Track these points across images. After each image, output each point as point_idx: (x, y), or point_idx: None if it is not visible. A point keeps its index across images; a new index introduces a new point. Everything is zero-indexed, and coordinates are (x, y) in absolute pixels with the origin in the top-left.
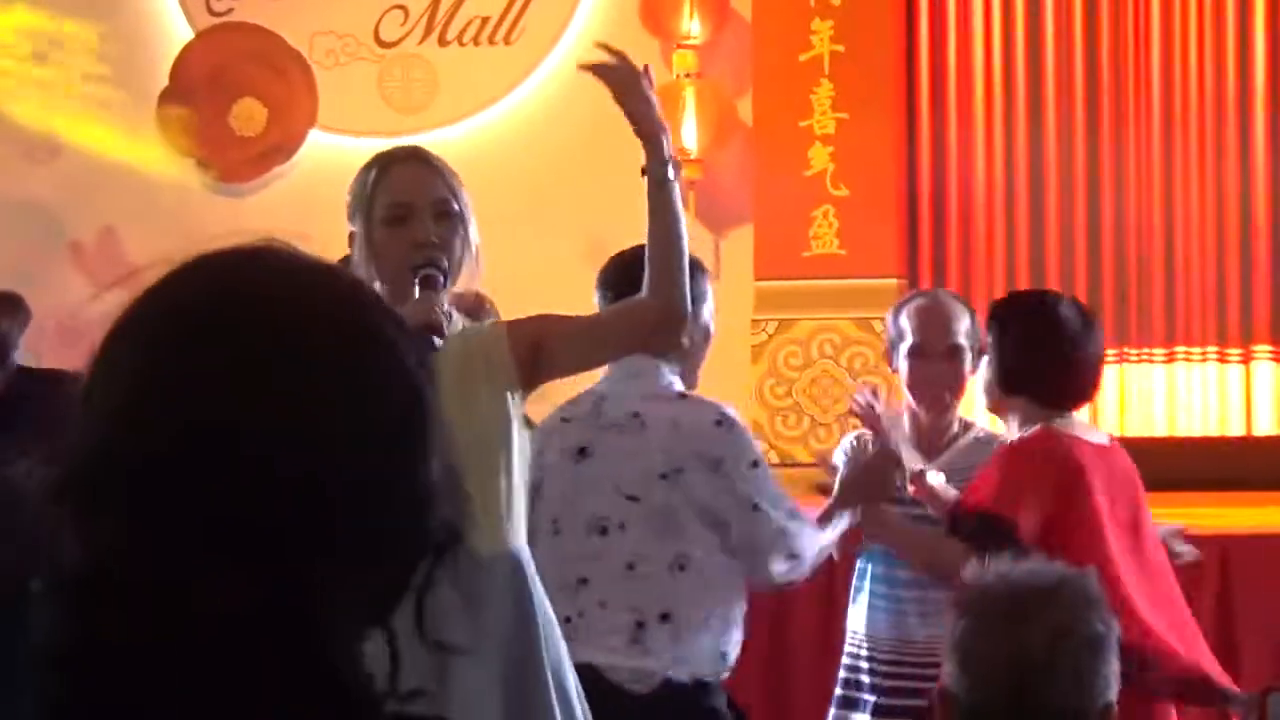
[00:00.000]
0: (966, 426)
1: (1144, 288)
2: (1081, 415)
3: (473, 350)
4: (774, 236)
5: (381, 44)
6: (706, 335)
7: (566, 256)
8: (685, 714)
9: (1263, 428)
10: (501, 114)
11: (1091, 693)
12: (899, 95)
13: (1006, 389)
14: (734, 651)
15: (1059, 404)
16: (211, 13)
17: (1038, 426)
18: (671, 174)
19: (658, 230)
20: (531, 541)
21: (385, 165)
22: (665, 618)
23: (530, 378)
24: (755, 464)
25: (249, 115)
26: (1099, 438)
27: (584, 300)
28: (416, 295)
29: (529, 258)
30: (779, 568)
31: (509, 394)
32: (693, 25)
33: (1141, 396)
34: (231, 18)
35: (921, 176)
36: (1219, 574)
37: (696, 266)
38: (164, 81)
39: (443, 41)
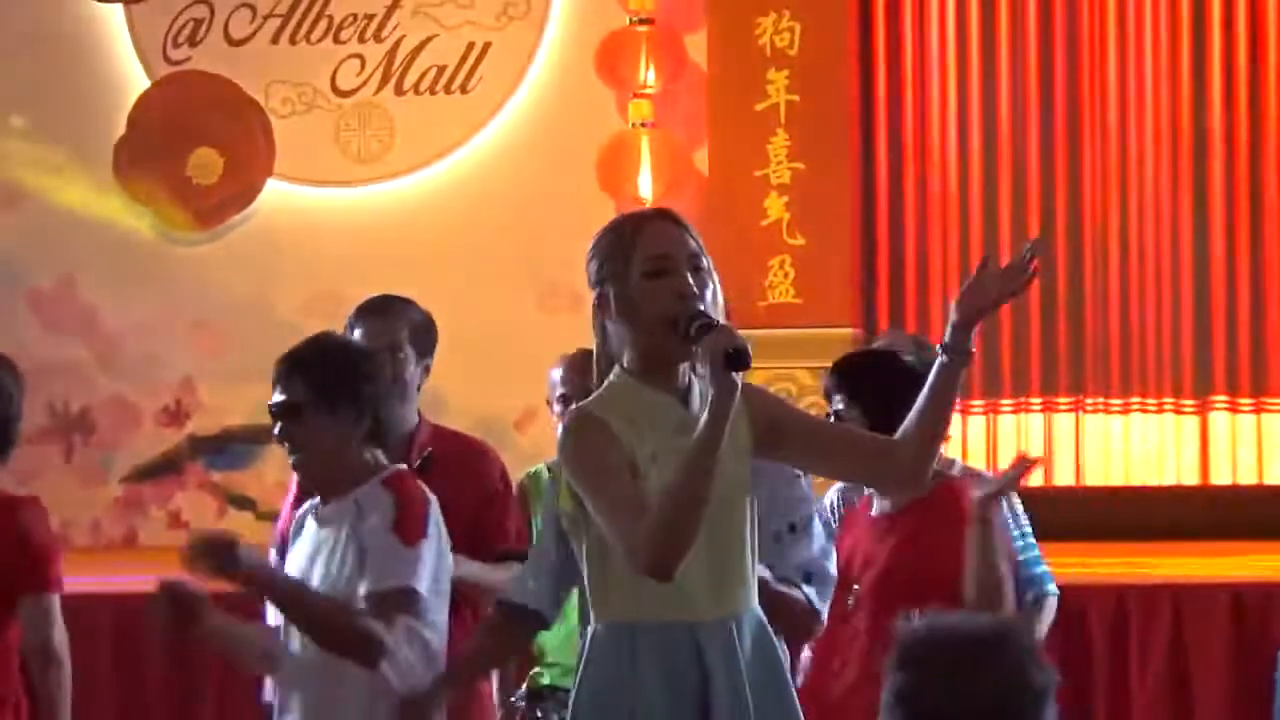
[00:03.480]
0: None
1: (1100, 340)
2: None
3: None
4: (730, 286)
5: (338, 93)
6: None
7: (522, 303)
8: None
9: (1219, 478)
10: (458, 162)
11: None
12: (855, 144)
13: None
14: None
15: None
16: (168, 61)
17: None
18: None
19: (939, 407)
20: None
21: (638, 224)
22: None
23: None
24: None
25: (206, 164)
26: None
27: (538, 346)
28: (679, 344)
29: (486, 305)
30: None
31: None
32: (648, 75)
33: (1098, 446)
34: (188, 66)
35: (878, 225)
36: (1173, 622)
37: None
38: (121, 130)
39: (399, 90)
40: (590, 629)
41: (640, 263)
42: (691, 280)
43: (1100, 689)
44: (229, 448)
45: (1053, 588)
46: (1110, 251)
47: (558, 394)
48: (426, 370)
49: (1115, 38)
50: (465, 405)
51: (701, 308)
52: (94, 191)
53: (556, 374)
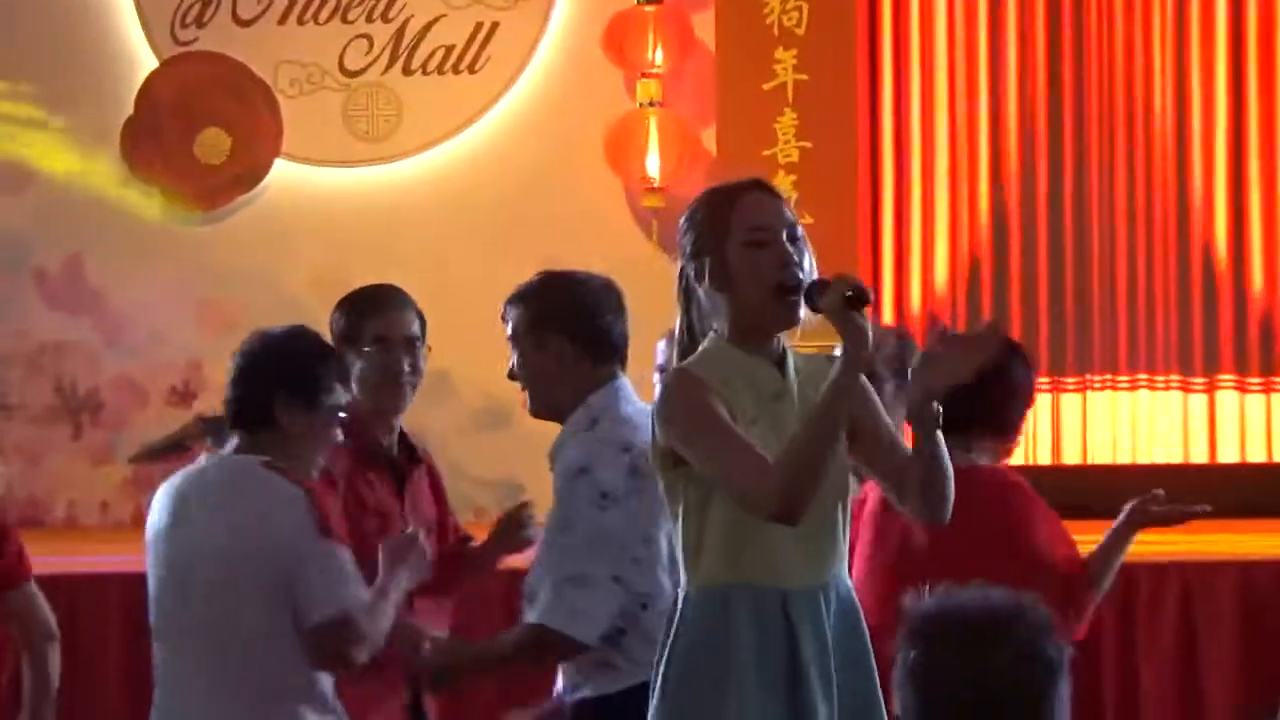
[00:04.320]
0: None
1: (1107, 318)
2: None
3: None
4: None
5: (346, 73)
6: None
7: None
8: None
9: (1226, 456)
10: (466, 142)
11: (1050, 715)
12: (863, 124)
13: None
14: None
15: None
16: (177, 42)
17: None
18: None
19: (931, 471)
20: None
21: (735, 195)
22: None
23: None
24: None
25: (214, 144)
26: None
27: None
28: (783, 311)
29: (493, 285)
30: None
31: None
32: (656, 55)
33: (1105, 424)
34: (196, 47)
35: (884, 204)
36: (1182, 601)
37: None
38: (129, 110)
39: (407, 70)
40: (682, 592)
41: (741, 233)
42: (790, 249)
43: (1109, 665)
44: None
45: None
46: (1118, 229)
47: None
48: None
49: (1123, 13)
50: (472, 386)
51: (802, 275)
52: (101, 171)
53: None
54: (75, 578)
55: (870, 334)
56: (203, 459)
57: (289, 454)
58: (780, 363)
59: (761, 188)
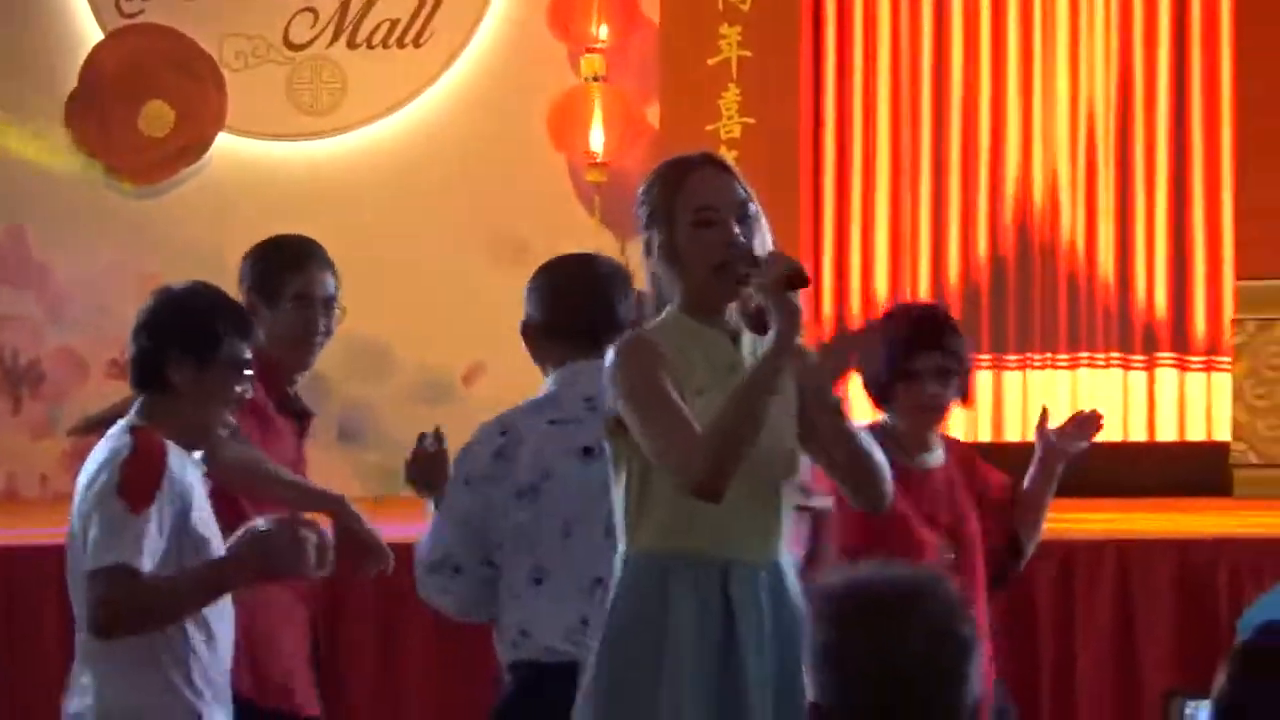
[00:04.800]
0: None
1: (1048, 297)
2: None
3: None
4: None
5: (291, 46)
6: None
7: (473, 257)
8: None
9: (1166, 435)
10: (410, 116)
11: (964, 691)
12: (806, 100)
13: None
14: None
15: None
16: (121, 14)
17: None
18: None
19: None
20: (538, 544)
21: (684, 172)
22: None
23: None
24: None
25: (158, 117)
26: None
27: (487, 299)
28: (727, 289)
29: (436, 258)
30: None
31: None
32: (600, 29)
33: (1046, 402)
34: (141, 19)
35: (826, 180)
36: (1118, 578)
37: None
38: (73, 83)
39: (352, 44)
40: (621, 559)
41: (688, 212)
42: (738, 229)
43: (1045, 643)
44: None
45: None
46: (1060, 206)
47: None
48: None
49: None
50: (412, 358)
51: (748, 255)
52: (45, 143)
53: None
54: (14, 549)
55: (801, 314)
56: None
57: (183, 416)
58: (736, 336)
59: (713, 163)
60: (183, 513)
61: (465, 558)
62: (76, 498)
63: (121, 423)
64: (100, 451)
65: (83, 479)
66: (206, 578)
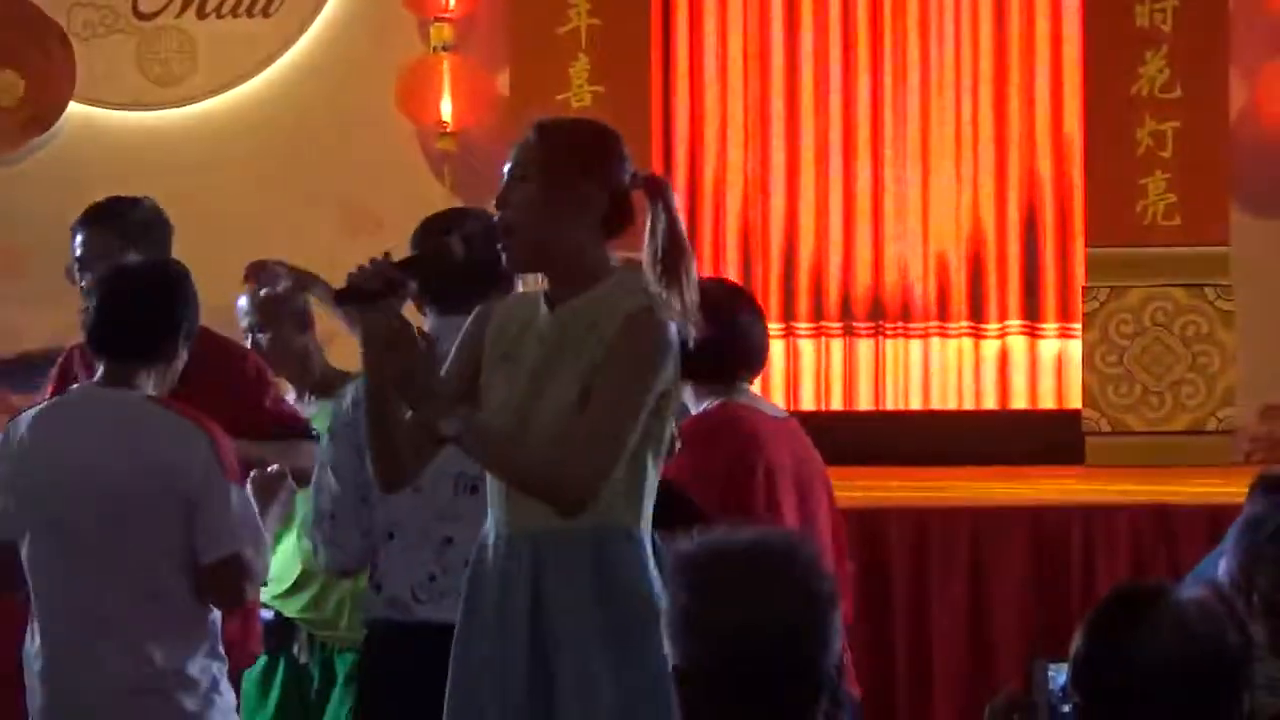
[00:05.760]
0: None
1: (899, 265)
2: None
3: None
4: None
5: (140, 16)
6: None
7: (323, 227)
8: None
9: (1017, 403)
10: (260, 86)
11: (829, 650)
12: (656, 69)
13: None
14: None
15: (728, 379)
16: None
17: (715, 401)
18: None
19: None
20: (389, 499)
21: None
22: None
23: None
24: None
25: (7, 86)
26: (775, 411)
27: (343, 266)
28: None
29: (288, 228)
30: None
31: None
32: None
33: (898, 372)
34: None
35: (678, 149)
36: (971, 546)
37: None
38: None
39: (201, 14)
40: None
41: None
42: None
43: (900, 610)
44: (28, 371)
45: None
46: (910, 173)
47: None
48: None
49: None
50: None
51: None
52: None
53: None
54: None
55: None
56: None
57: (163, 382)
58: (555, 302)
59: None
60: None
61: (341, 506)
62: (122, 467)
63: (135, 395)
64: (149, 428)
65: (129, 458)
66: None
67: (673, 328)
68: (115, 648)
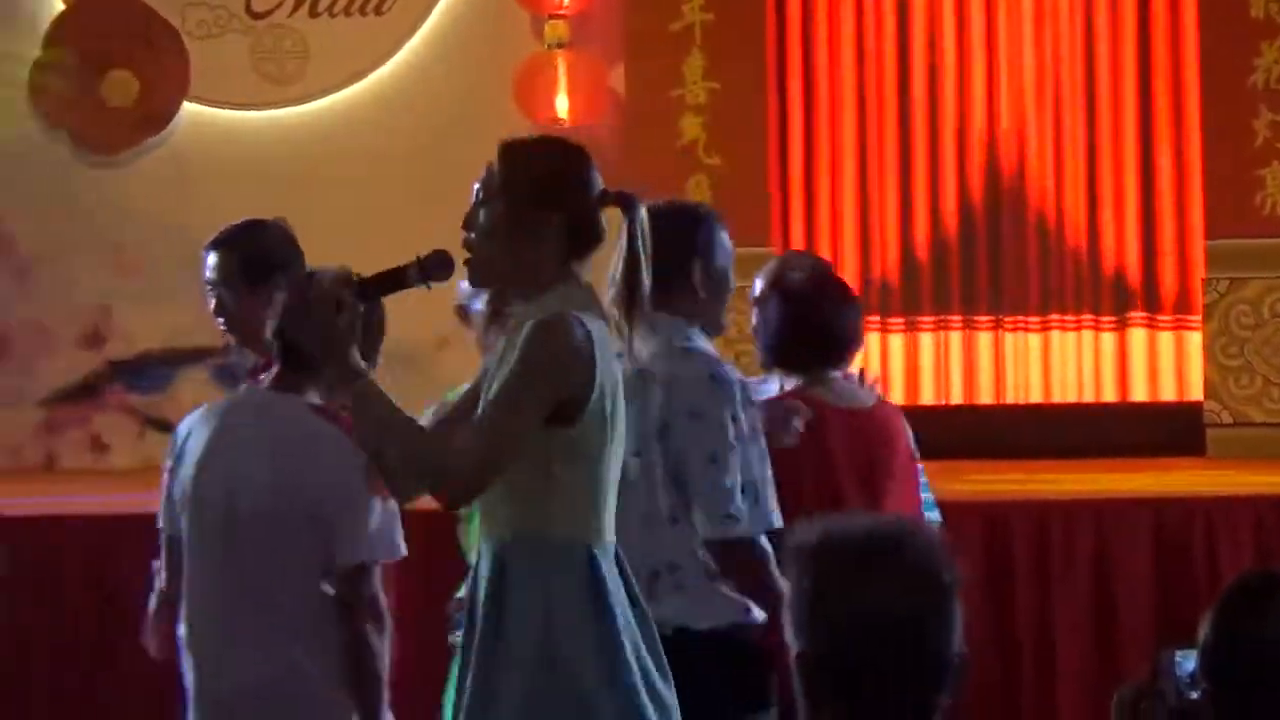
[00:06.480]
0: None
1: (1018, 256)
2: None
3: None
4: None
5: (253, 15)
6: (721, 283)
7: (440, 227)
8: (703, 663)
9: (1138, 395)
10: (373, 85)
11: (953, 638)
12: (770, 64)
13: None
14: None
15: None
16: None
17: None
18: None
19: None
20: None
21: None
22: (673, 569)
23: None
24: (734, 419)
25: (120, 86)
26: (854, 402)
27: (457, 270)
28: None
29: (403, 228)
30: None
31: None
32: None
33: (1019, 364)
34: None
35: (793, 145)
36: (1094, 539)
37: (700, 217)
38: (37, 52)
39: (314, 13)
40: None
41: None
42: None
43: (1023, 604)
44: (147, 370)
45: (935, 515)
46: (1028, 168)
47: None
48: None
49: None
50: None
51: (466, 237)
52: (9, 115)
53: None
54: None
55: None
56: (242, 392)
57: (328, 392)
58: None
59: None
60: None
61: None
62: (279, 474)
63: (300, 402)
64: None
65: (285, 464)
66: None
67: (591, 339)
68: (251, 644)
